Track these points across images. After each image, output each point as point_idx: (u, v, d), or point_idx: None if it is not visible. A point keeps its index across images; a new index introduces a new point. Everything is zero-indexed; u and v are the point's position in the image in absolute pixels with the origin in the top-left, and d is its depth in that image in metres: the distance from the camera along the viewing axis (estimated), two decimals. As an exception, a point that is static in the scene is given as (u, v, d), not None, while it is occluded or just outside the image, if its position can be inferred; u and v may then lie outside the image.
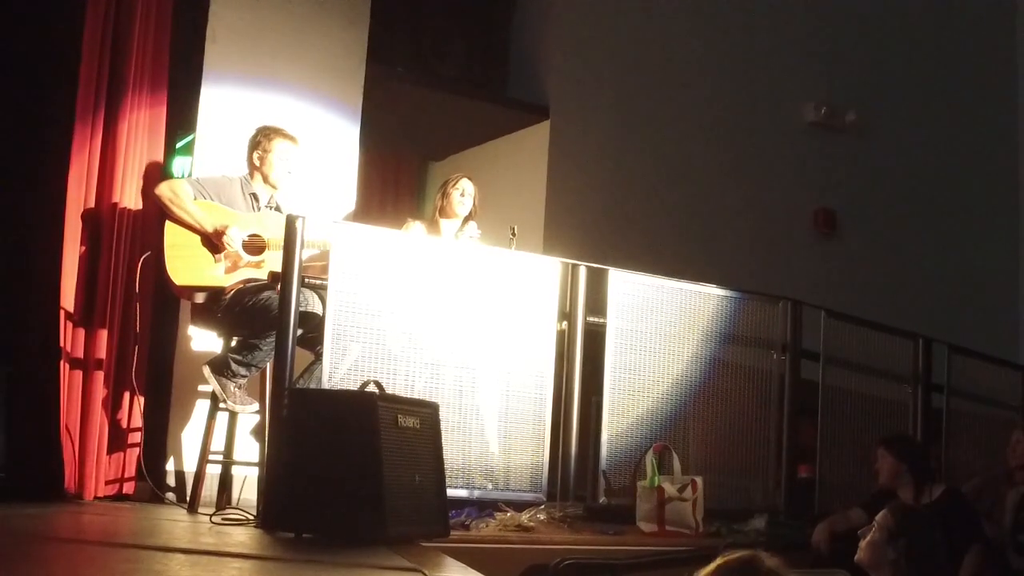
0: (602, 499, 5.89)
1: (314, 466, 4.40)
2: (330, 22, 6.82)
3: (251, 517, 4.92)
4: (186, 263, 5.49)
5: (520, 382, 5.71)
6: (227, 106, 6.36)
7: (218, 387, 5.44)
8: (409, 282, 5.46)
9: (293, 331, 5.05)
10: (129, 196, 5.88)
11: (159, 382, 6.09)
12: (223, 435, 5.62)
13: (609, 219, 8.45)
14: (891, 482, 5.74)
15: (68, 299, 5.63)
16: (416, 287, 5.48)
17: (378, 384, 4.69)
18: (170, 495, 5.93)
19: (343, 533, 4.28)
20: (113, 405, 5.76)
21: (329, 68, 6.78)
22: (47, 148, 5.79)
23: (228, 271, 5.52)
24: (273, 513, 4.59)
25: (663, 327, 6.22)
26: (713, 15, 9.28)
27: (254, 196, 5.75)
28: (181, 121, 6.38)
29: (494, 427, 5.64)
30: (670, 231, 8.66)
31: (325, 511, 4.33)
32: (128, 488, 5.84)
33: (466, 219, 6.37)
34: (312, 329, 5.29)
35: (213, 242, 5.51)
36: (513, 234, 6.01)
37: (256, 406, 5.52)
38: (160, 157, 6.09)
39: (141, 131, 5.98)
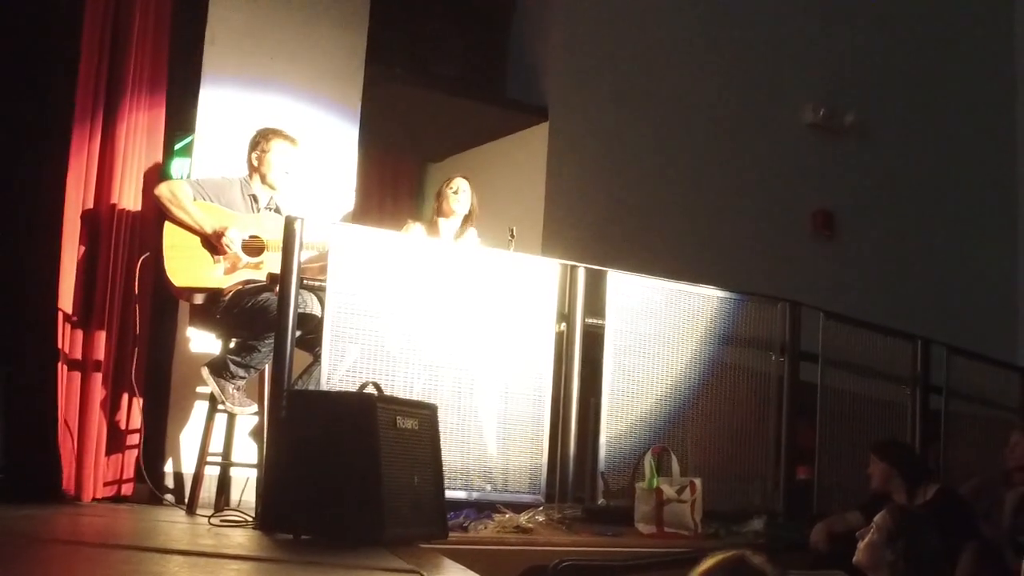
0: (601, 501, 5.89)
1: (313, 468, 4.40)
2: (329, 24, 6.83)
3: (250, 519, 4.92)
4: (185, 264, 5.49)
5: (519, 384, 5.71)
6: (226, 107, 6.37)
7: (217, 388, 5.45)
8: (408, 284, 5.45)
9: (292, 332, 5.05)
10: (128, 197, 5.89)
11: (158, 383, 6.09)
12: (222, 436, 5.62)
13: (608, 220, 8.45)
14: (883, 487, 5.76)
15: (67, 300, 5.64)
16: (415, 289, 5.47)
17: (376, 385, 4.69)
18: (168, 496, 5.93)
19: (341, 535, 4.28)
20: (112, 406, 5.77)
21: (328, 69, 6.79)
22: (46, 149, 5.79)
23: (227, 272, 5.52)
24: (272, 515, 4.59)
25: (662, 329, 6.22)
26: (712, 16, 9.28)
27: (253, 197, 5.75)
28: (180, 122, 6.39)
29: (493, 429, 5.63)
30: (669, 233, 8.66)
31: (324, 512, 4.32)
32: (126, 489, 5.84)
33: (465, 219, 6.36)
34: (311, 330, 5.29)
35: (212, 243, 5.52)
36: (512, 235, 6.01)
37: (255, 407, 5.52)
38: (159, 158, 6.10)
39: (140, 132, 5.99)
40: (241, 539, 4.54)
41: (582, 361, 5.95)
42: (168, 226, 5.50)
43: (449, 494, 4.90)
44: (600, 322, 6.03)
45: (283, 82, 6.58)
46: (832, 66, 9.95)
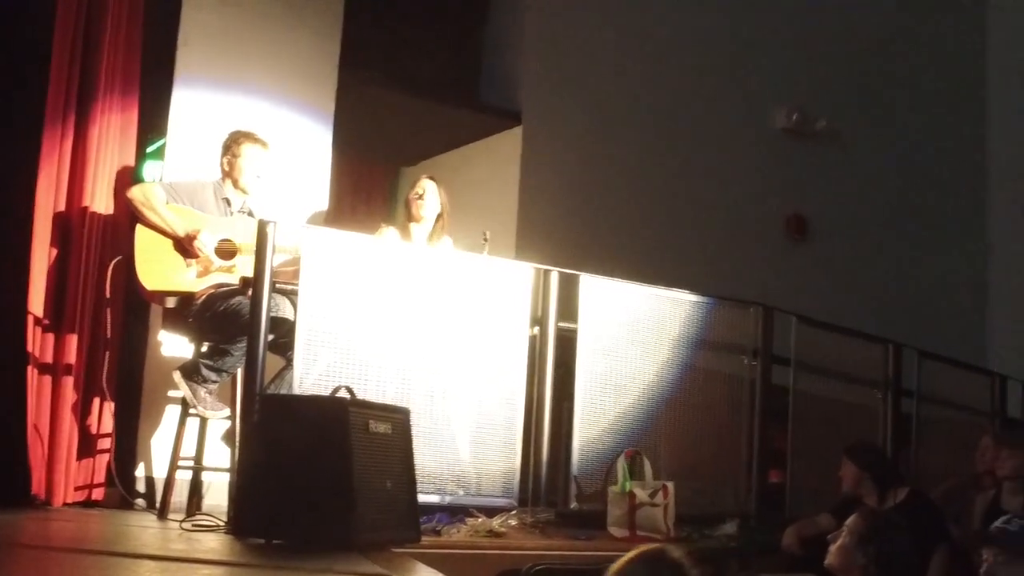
0: (573, 504, 5.90)
1: (285, 472, 4.38)
2: (303, 26, 6.81)
3: (222, 523, 4.90)
4: (157, 268, 5.46)
5: (492, 388, 5.71)
6: (199, 110, 6.34)
7: (189, 392, 5.43)
8: (381, 287, 5.45)
9: (264, 336, 5.04)
10: (99, 201, 5.85)
11: (129, 387, 6.05)
12: (194, 441, 5.60)
13: (581, 225, 8.46)
14: (854, 489, 5.79)
15: (37, 304, 5.60)
16: (388, 292, 5.47)
17: (349, 389, 4.68)
18: (140, 501, 5.90)
19: (314, 539, 4.27)
20: (82, 411, 5.73)
21: (301, 72, 6.77)
22: (17, 151, 5.74)
23: (199, 276, 5.50)
24: (244, 519, 4.57)
25: (635, 333, 6.23)
26: (684, 21, 9.31)
27: (226, 201, 5.74)
28: (152, 125, 6.36)
29: (466, 433, 5.63)
30: (642, 237, 8.68)
31: (296, 517, 4.31)
32: (97, 494, 5.81)
33: (438, 218, 6.32)
34: (283, 334, 5.28)
35: (184, 246, 5.50)
36: (485, 239, 6.01)
37: (227, 411, 5.50)
38: (131, 161, 6.06)
39: (112, 134, 5.95)
40: (213, 544, 4.53)
41: (555, 365, 5.95)
42: (140, 229, 5.48)
43: (422, 498, 4.89)
44: (573, 326, 6.04)
45: (256, 84, 6.56)
46: (804, 71, 9.99)
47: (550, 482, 5.87)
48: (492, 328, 5.76)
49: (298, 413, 4.56)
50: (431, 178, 6.43)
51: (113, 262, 5.75)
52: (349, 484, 4.25)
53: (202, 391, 5.45)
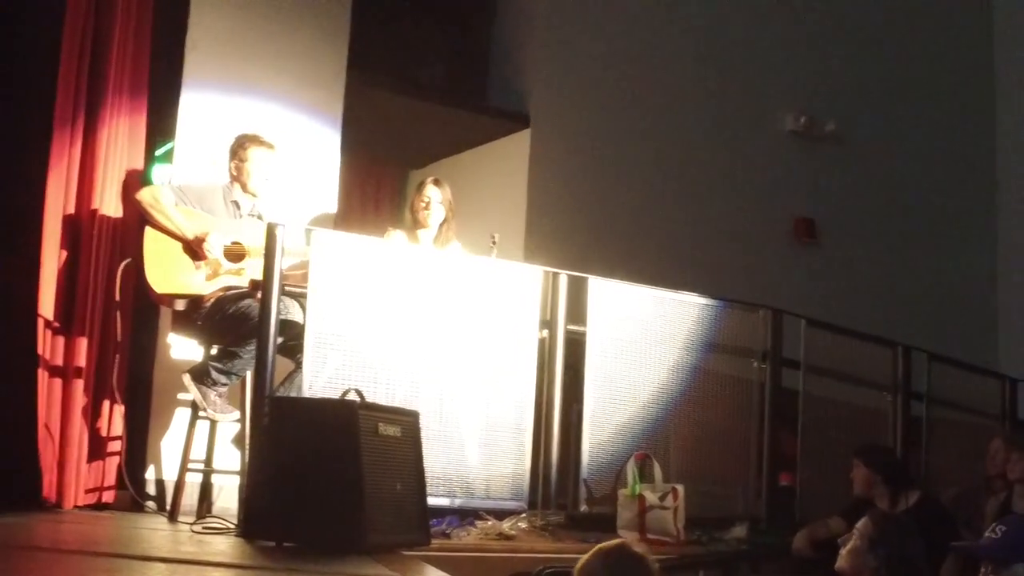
0: (583, 507, 5.89)
1: (295, 475, 4.39)
2: (310, 29, 6.82)
3: (232, 526, 4.91)
4: (166, 270, 5.47)
5: (501, 391, 5.71)
6: (207, 113, 6.35)
7: (198, 395, 5.43)
8: (390, 290, 5.45)
9: (273, 339, 5.03)
10: (109, 203, 5.86)
11: (139, 390, 6.06)
12: (204, 443, 5.60)
13: (590, 227, 8.46)
14: (865, 492, 5.77)
15: (47, 307, 5.60)
16: (397, 295, 5.47)
17: (359, 392, 4.68)
18: (150, 504, 5.90)
19: (324, 542, 4.27)
20: (93, 413, 5.73)
21: (309, 75, 6.77)
22: (26, 155, 5.75)
23: (208, 278, 5.50)
24: (254, 522, 4.57)
25: (644, 336, 6.23)
26: (694, 24, 9.31)
27: (235, 204, 5.75)
28: (161, 128, 6.36)
29: (475, 435, 5.63)
30: (651, 240, 8.67)
31: (306, 520, 4.31)
32: (108, 497, 5.81)
33: (444, 222, 6.31)
34: (293, 337, 5.28)
35: (193, 249, 5.50)
36: (494, 242, 6.00)
37: (237, 414, 5.50)
38: (140, 164, 6.07)
39: (121, 138, 5.96)
40: (223, 546, 4.53)
41: (564, 368, 5.95)
42: (149, 232, 5.48)
43: (432, 501, 4.89)
44: (582, 329, 6.04)
45: (265, 88, 6.57)
46: (813, 74, 9.98)
47: (560, 485, 5.86)
48: (501, 331, 5.76)
49: (308, 416, 4.57)
50: (435, 182, 6.37)
51: (122, 265, 5.75)
52: (359, 487, 4.25)
53: (212, 394, 5.45)
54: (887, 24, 10.53)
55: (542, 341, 5.92)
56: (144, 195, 5.55)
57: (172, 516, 5.43)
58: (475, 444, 5.63)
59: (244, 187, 5.80)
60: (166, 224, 5.48)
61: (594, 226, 8.51)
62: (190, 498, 5.60)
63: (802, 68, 9.91)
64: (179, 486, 5.50)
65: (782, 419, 6.68)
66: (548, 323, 5.95)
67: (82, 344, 5.69)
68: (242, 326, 5.35)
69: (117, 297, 5.76)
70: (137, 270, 5.60)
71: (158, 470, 6.06)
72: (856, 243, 10.07)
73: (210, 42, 6.45)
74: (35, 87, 5.81)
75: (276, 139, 5.93)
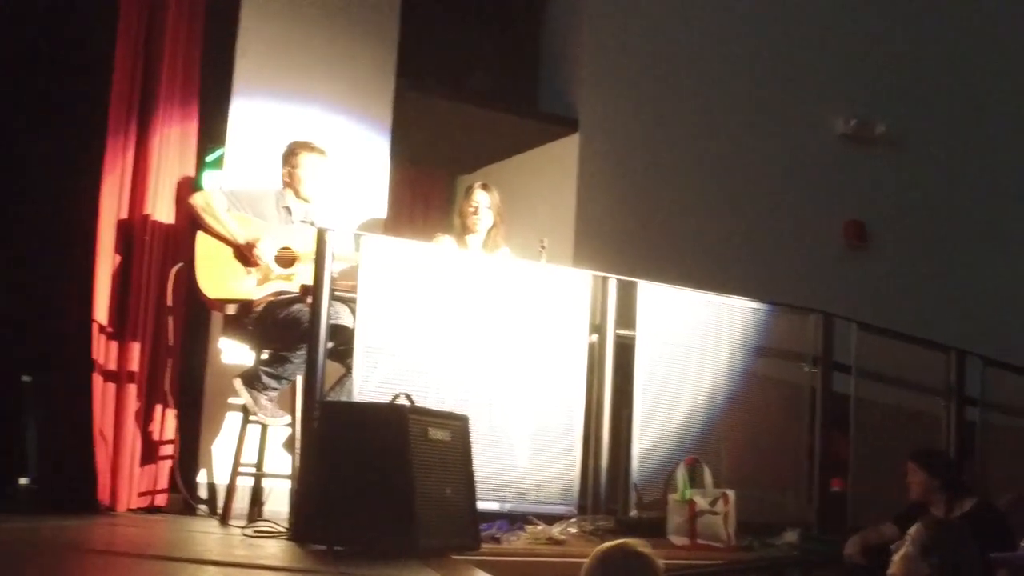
0: (633, 512, 5.86)
1: (345, 479, 4.40)
2: (359, 36, 6.85)
3: (283, 529, 4.93)
4: (217, 275, 5.51)
5: (551, 395, 5.70)
6: (257, 120, 6.40)
7: (249, 400, 5.46)
8: (439, 295, 5.45)
9: (324, 344, 5.05)
10: (161, 209, 5.92)
11: (191, 394, 6.12)
12: (255, 447, 5.63)
13: (639, 231, 8.43)
14: (922, 497, 5.70)
15: (101, 311, 5.67)
16: (446, 300, 5.47)
17: (408, 397, 4.69)
18: (202, 507, 5.95)
19: (374, 546, 4.28)
20: (145, 417, 5.80)
21: (359, 81, 6.81)
22: (81, 162, 5.84)
23: (259, 283, 5.54)
24: (305, 525, 4.59)
25: (694, 340, 6.19)
26: (743, 27, 9.26)
27: (287, 210, 5.78)
28: (211, 135, 6.42)
29: (525, 440, 5.62)
30: (700, 243, 8.63)
31: (357, 523, 4.33)
32: (160, 500, 5.87)
33: (491, 228, 6.29)
34: (343, 342, 5.29)
35: (244, 254, 5.53)
36: (543, 247, 6.00)
37: (287, 419, 5.53)
38: (191, 171, 6.13)
39: (173, 144, 6.03)
40: (275, 550, 4.55)
41: (614, 372, 5.93)
42: (201, 237, 5.53)
43: (481, 505, 4.89)
44: (632, 333, 6.02)
45: (314, 94, 6.61)
46: (863, 76, 9.89)
47: (609, 490, 5.85)
48: (550, 335, 5.75)
49: (358, 420, 4.59)
50: (483, 186, 6.35)
51: (174, 269, 5.81)
52: (409, 491, 4.26)
53: (263, 398, 5.48)
54: (937, 23, 10.41)
55: (592, 345, 5.90)
56: (197, 199, 5.60)
57: (224, 519, 5.47)
58: (525, 448, 5.62)
59: (296, 193, 5.83)
60: (218, 229, 5.52)
61: (644, 230, 8.48)
62: (241, 502, 5.63)
63: (852, 70, 9.83)
64: (230, 490, 5.54)
65: (833, 424, 6.63)
66: (598, 327, 5.93)
67: (135, 349, 5.75)
68: (293, 331, 5.38)
69: (169, 302, 5.83)
70: (189, 275, 5.65)
71: (210, 474, 6.10)
72: (908, 246, 9.97)
73: (260, 49, 6.50)
74: (89, 96, 5.90)
75: (326, 145, 5.96)
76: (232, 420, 5.95)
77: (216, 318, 6.00)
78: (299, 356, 5.33)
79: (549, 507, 5.57)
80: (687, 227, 8.67)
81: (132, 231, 5.85)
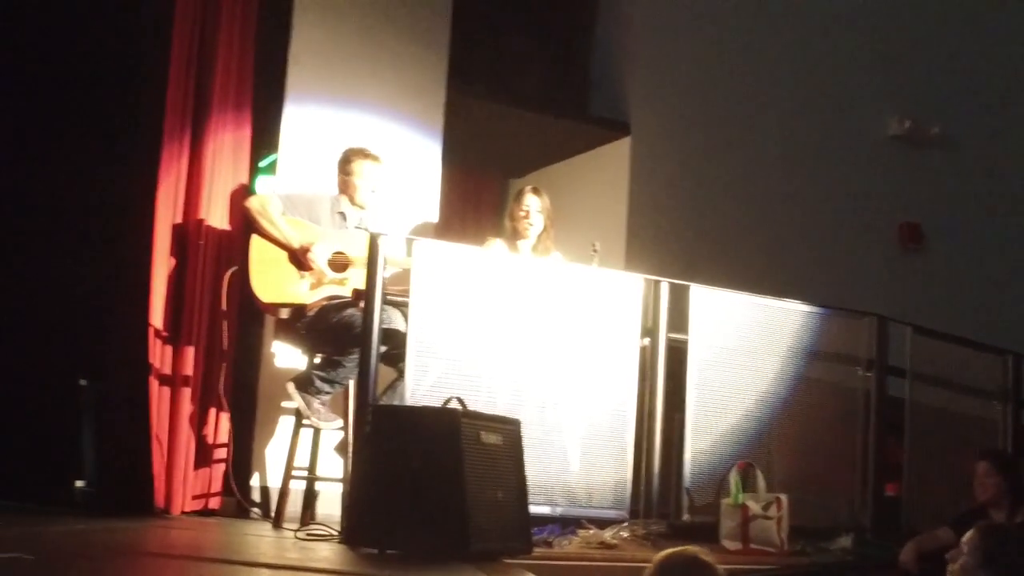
0: (685, 516, 5.84)
1: (398, 482, 4.41)
2: (411, 42, 6.87)
3: (335, 533, 4.96)
4: (271, 279, 5.55)
5: (603, 399, 5.68)
6: (310, 126, 6.44)
7: (302, 403, 5.49)
8: (491, 299, 5.46)
9: (376, 348, 5.07)
10: (215, 214, 5.98)
11: (244, 398, 6.16)
12: (307, 451, 5.66)
13: (691, 235, 8.40)
14: (995, 499, 5.61)
15: (157, 316, 5.73)
16: (498, 304, 5.48)
17: (460, 401, 4.70)
18: (255, 510, 5.99)
19: (427, 549, 4.29)
20: (200, 421, 5.85)
21: (410, 87, 6.83)
22: (137, 168, 5.90)
23: (312, 288, 5.58)
24: (357, 529, 4.61)
25: (746, 343, 6.16)
26: (794, 28, 9.20)
27: (342, 215, 5.81)
28: (264, 141, 6.47)
29: (576, 444, 5.61)
30: (753, 246, 8.58)
31: (409, 527, 4.34)
32: (214, 503, 5.92)
33: (542, 232, 6.28)
34: (395, 346, 5.31)
35: (298, 258, 5.57)
36: (595, 250, 5.99)
37: (340, 422, 5.56)
38: (245, 177, 6.18)
39: (226, 151, 6.08)
40: (327, 553, 4.58)
41: (666, 376, 5.90)
42: (255, 241, 5.57)
43: (533, 509, 4.88)
44: (684, 337, 5.99)
45: (366, 100, 6.64)
46: (917, 77, 9.81)
47: (662, 494, 5.82)
48: (602, 339, 5.74)
49: (410, 424, 4.59)
50: (534, 190, 6.36)
51: (228, 273, 5.85)
52: (462, 495, 4.27)
53: (315, 402, 5.51)
54: (989, 25, 10.30)
55: (643, 349, 5.88)
56: (253, 203, 5.64)
57: (276, 522, 5.51)
58: (576, 452, 5.60)
59: (352, 199, 5.87)
60: (272, 232, 5.56)
61: (695, 233, 8.45)
62: (294, 505, 5.67)
63: (905, 71, 9.74)
64: (283, 493, 5.57)
65: (888, 428, 6.56)
66: (650, 331, 5.91)
67: (189, 353, 5.80)
68: (345, 335, 5.41)
69: (223, 306, 5.87)
70: (242, 279, 5.69)
71: (263, 477, 6.14)
72: (964, 248, 9.86)
73: (312, 56, 6.54)
74: (145, 103, 5.96)
75: (379, 151, 5.98)
76: (285, 424, 5.99)
77: (270, 322, 6.04)
78: (351, 360, 5.35)
79: (601, 511, 5.55)
80: (739, 230, 8.62)
81: (187, 236, 5.91)
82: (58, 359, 5.79)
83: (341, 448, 5.54)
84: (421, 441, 4.44)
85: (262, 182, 6.56)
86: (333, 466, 5.63)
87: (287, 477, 5.60)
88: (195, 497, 5.83)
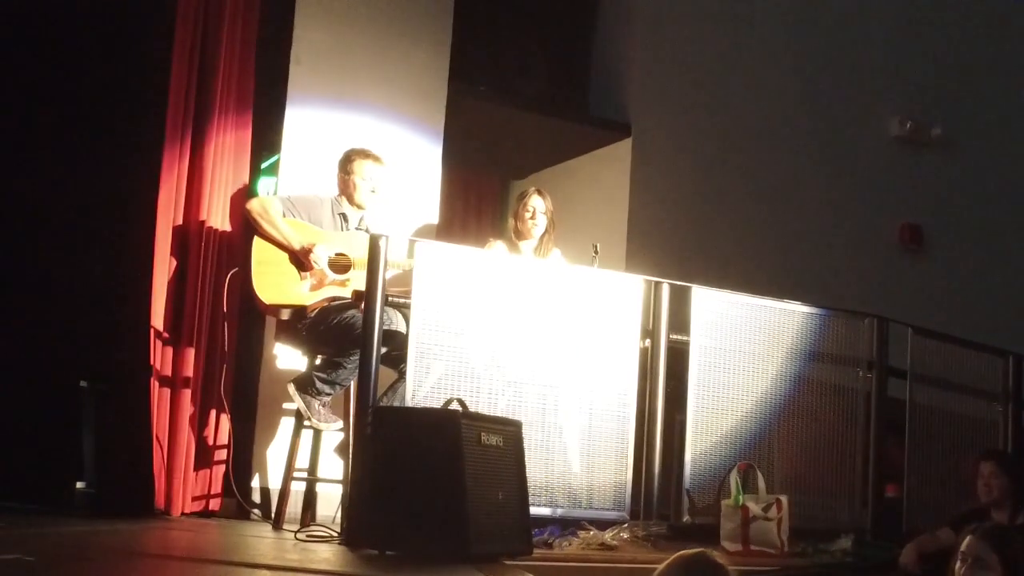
0: (686, 518, 5.84)
1: (398, 483, 4.42)
2: (412, 42, 6.88)
3: (335, 534, 4.96)
4: (273, 280, 5.55)
5: (603, 400, 5.68)
6: (311, 127, 6.44)
7: (303, 405, 5.50)
8: (492, 300, 5.46)
9: (377, 349, 5.07)
10: (216, 216, 5.98)
11: (245, 399, 6.16)
12: (308, 452, 5.67)
13: (692, 236, 8.40)
14: (1003, 500, 5.61)
15: (158, 317, 5.73)
16: (498, 305, 5.48)
17: (461, 402, 4.70)
18: (255, 511, 5.99)
19: (427, 550, 4.29)
20: (200, 422, 5.85)
21: (411, 88, 6.84)
22: (138, 170, 5.91)
23: (313, 289, 5.58)
24: (357, 530, 4.62)
25: (747, 345, 6.15)
26: (796, 30, 9.20)
27: (343, 216, 5.82)
28: (266, 142, 6.47)
29: (577, 445, 5.61)
30: (753, 247, 8.59)
31: (409, 528, 4.35)
32: (214, 504, 5.92)
33: (544, 234, 6.32)
34: (396, 347, 5.32)
35: (300, 260, 5.58)
36: (595, 252, 5.99)
37: (340, 424, 5.57)
38: (246, 178, 6.19)
39: (228, 152, 6.08)
40: (327, 554, 4.58)
41: (667, 377, 5.91)
42: (257, 242, 5.57)
43: (533, 510, 4.89)
44: (685, 338, 5.99)
45: (367, 101, 6.65)
46: (918, 78, 9.81)
47: (662, 495, 5.82)
48: (603, 340, 5.74)
49: (411, 425, 4.60)
50: (539, 192, 6.41)
51: (229, 275, 5.86)
52: (462, 496, 4.27)
53: (316, 403, 5.52)
54: (992, 27, 10.30)
55: (644, 350, 5.89)
56: (254, 205, 5.65)
57: (276, 524, 5.51)
58: (577, 454, 5.61)
59: (351, 199, 5.87)
60: (274, 234, 5.57)
61: (696, 234, 8.45)
62: (294, 506, 5.67)
63: (907, 73, 9.74)
64: (283, 494, 5.58)
65: (888, 429, 6.56)
66: (650, 332, 5.92)
67: (190, 354, 5.81)
68: (346, 336, 5.41)
69: (224, 308, 5.87)
70: (243, 280, 5.69)
71: (263, 478, 6.15)
72: (965, 249, 9.85)
73: (313, 57, 6.55)
74: (146, 105, 5.97)
75: (380, 151, 5.99)
76: (286, 425, 5.99)
77: (271, 324, 6.04)
78: (352, 362, 5.36)
79: (601, 512, 5.56)
80: (740, 231, 8.63)
81: (188, 238, 5.91)
82: (59, 360, 5.79)
83: (341, 449, 5.54)
84: (421, 442, 4.45)
85: (264, 183, 6.56)
86: (333, 467, 5.64)
87: (287, 478, 5.60)
88: (195, 498, 5.84)
